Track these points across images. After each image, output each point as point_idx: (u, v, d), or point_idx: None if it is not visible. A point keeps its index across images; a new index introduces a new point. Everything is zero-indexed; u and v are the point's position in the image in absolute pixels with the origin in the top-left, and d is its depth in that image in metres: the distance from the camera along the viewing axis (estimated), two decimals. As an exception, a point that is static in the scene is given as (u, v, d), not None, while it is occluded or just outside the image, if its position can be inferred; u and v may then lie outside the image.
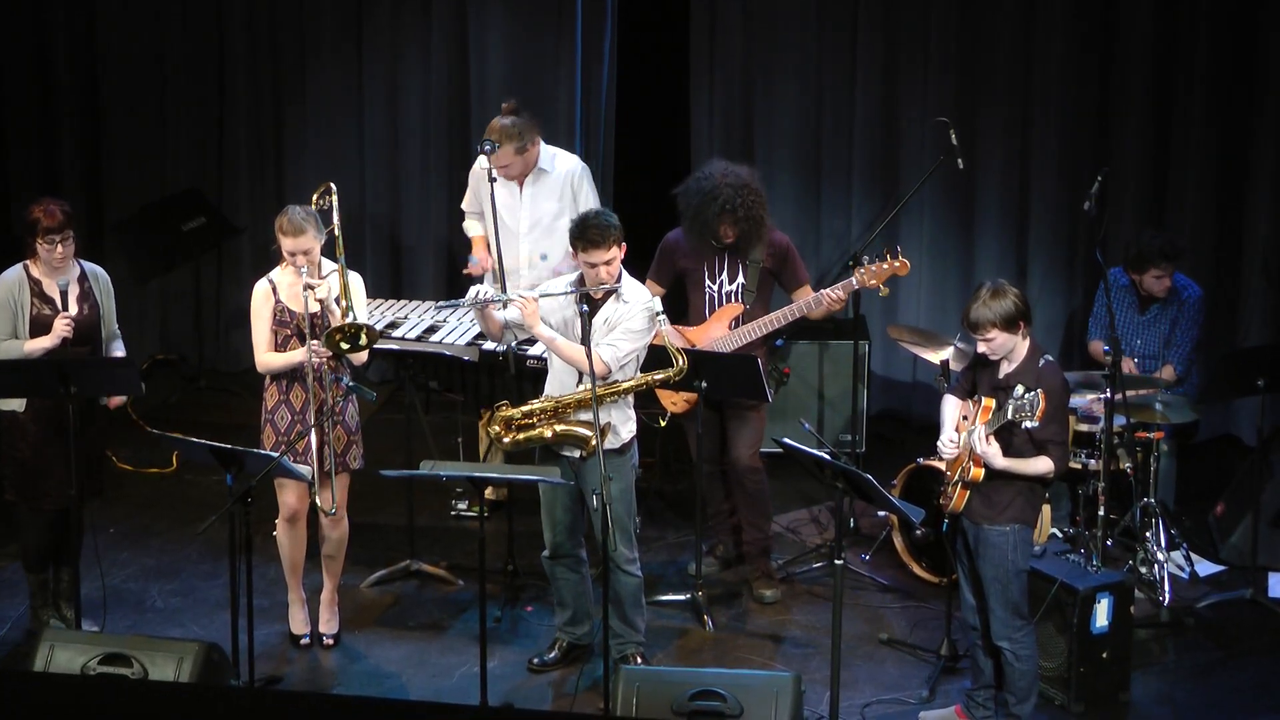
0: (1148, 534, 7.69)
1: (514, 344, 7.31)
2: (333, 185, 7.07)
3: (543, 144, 8.07)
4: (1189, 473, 8.37)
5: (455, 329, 7.78)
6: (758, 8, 9.54)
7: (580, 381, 6.75)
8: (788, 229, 8.20)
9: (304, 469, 6.93)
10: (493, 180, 7.85)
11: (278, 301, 7.03)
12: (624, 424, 6.84)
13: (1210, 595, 7.70)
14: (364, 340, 6.85)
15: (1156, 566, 7.62)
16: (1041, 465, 6.36)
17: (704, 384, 7.26)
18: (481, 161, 7.93)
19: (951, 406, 6.59)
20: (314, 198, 7.03)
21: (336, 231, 6.99)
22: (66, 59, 10.26)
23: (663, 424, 7.74)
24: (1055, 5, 9.19)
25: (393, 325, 7.85)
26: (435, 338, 7.74)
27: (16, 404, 7.08)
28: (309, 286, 6.88)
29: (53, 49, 10.26)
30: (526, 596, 7.68)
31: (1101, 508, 7.44)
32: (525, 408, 6.81)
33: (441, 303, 7.64)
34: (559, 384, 6.84)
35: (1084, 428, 7.82)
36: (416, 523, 7.94)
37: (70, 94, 10.31)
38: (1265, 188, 9.08)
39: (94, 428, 7.21)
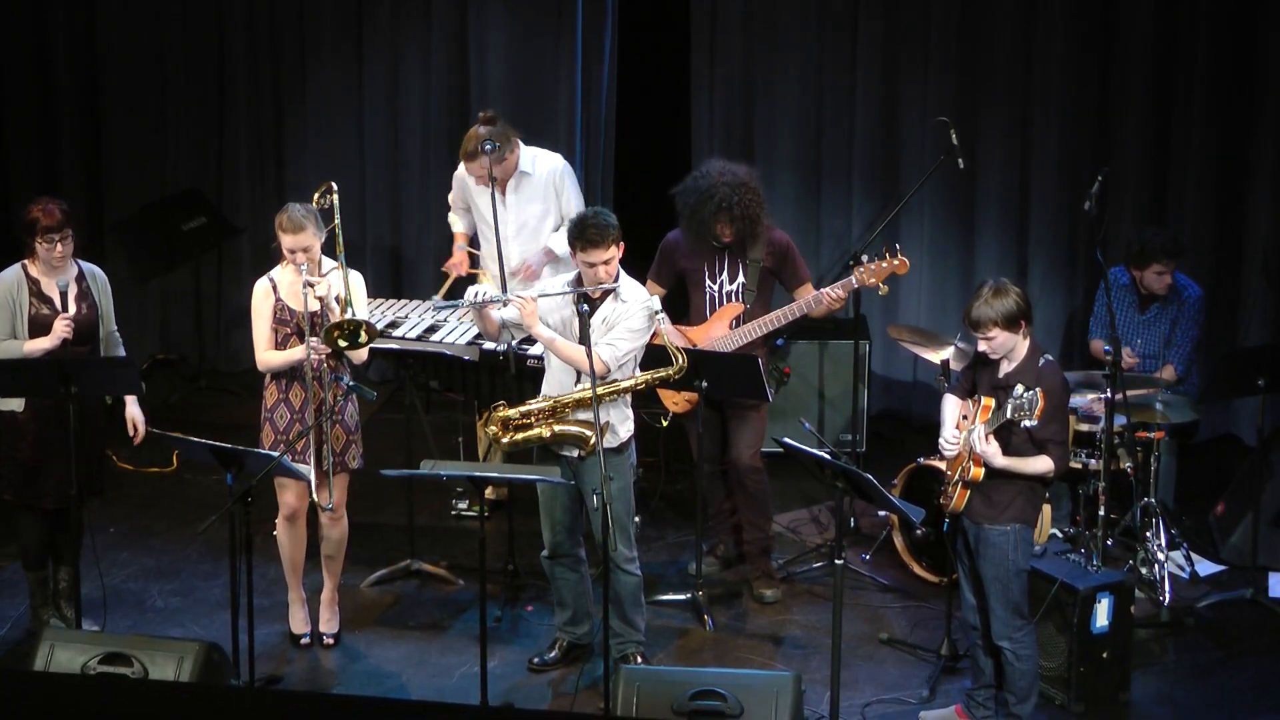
0: (1148, 534, 7.68)
1: (514, 343, 7.31)
2: (334, 184, 7.06)
3: (522, 146, 8.06)
4: (1189, 473, 8.36)
5: (455, 329, 7.78)
6: (758, 8, 9.54)
7: (579, 381, 6.75)
8: (788, 229, 8.19)
9: (304, 468, 6.93)
10: (493, 179, 7.89)
11: (278, 300, 7.02)
12: (622, 423, 6.83)
13: (1210, 595, 7.69)
14: (363, 337, 6.84)
15: (1157, 566, 7.62)
16: (1041, 465, 6.35)
17: (705, 384, 7.25)
18: (461, 169, 7.99)
19: (951, 406, 6.59)
20: (315, 196, 7.02)
21: (337, 230, 6.99)
22: (66, 59, 10.26)
23: (665, 424, 7.74)
24: (1055, 5, 9.19)
25: (393, 325, 7.84)
26: (435, 337, 7.74)
27: (16, 404, 7.08)
28: (309, 284, 6.87)
29: (53, 49, 10.26)
30: (526, 596, 7.67)
31: (1102, 507, 7.43)
32: (523, 408, 6.80)
33: (441, 303, 7.65)
34: (557, 384, 6.84)
35: (1084, 427, 7.81)
36: (417, 522, 7.94)
37: (70, 94, 10.31)
38: (1265, 188, 9.07)
39: (94, 427, 7.20)
